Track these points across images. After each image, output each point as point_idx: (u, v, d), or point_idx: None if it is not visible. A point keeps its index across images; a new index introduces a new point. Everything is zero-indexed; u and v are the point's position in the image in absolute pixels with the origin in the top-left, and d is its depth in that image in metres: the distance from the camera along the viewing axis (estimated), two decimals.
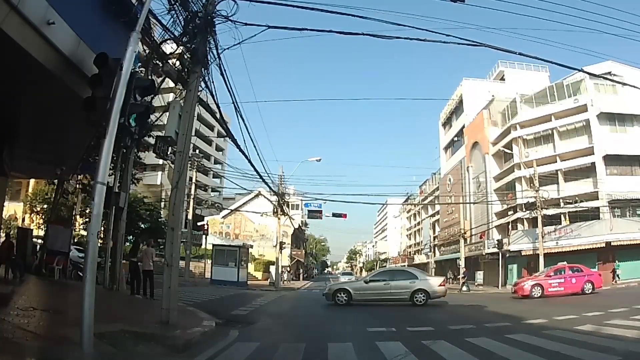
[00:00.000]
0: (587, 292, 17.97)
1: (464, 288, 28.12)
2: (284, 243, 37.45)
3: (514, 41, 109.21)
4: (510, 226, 37.01)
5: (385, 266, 71.92)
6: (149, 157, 23.95)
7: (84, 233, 24.41)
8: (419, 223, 70.23)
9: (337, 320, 11.12)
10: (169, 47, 9.78)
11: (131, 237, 23.90)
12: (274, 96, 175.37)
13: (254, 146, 39.90)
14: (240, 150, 12.76)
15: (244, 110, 39.93)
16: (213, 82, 9.54)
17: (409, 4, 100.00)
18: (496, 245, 34.00)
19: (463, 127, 47.58)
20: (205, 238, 37.12)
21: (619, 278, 26.65)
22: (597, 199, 30.28)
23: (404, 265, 67.75)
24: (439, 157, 58.21)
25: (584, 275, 18.92)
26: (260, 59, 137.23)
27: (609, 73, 28.61)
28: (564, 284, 18.66)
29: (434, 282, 15.36)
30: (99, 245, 6.26)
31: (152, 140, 14.07)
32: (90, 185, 18.04)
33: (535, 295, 18.13)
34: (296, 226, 46.57)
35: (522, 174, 34.48)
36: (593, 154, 31.36)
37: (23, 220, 32.93)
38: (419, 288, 14.65)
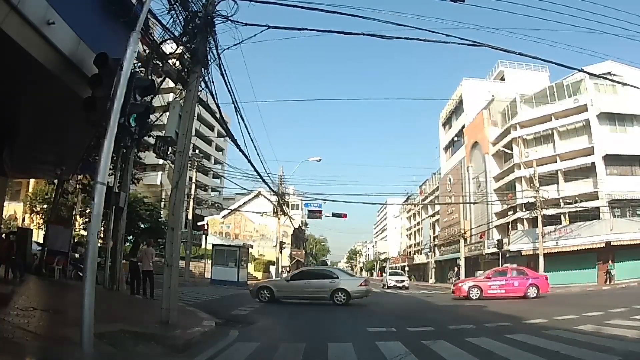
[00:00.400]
0: (531, 296, 17.39)
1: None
2: (284, 243, 37.49)
3: (514, 41, 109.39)
4: (510, 226, 37.03)
5: (385, 266, 71.99)
6: (149, 157, 23.94)
7: (84, 233, 24.41)
8: (419, 223, 70.23)
9: (337, 320, 11.12)
10: (169, 47, 9.77)
11: (131, 237, 23.90)
12: (274, 96, 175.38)
13: (254, 146, 39.83)
14: (240, 150, 12.77)
15: (244, 110, 39.95)
16: (213, 82, 9.56)
17: (409, 4, 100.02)
18: (496, 245, 34.00)
19: (463, 127, 47.59)
20: (205, 238, 37.11)
21: (613, 278, 26.69)
22: (597, 199, 30.28)
23: (404, 266, 67.80)
24: (439, 157, 58.27)
25: (528, 278, 18.36)
26: (260, 59, 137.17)
27: (609, 73, 28.60)
28: (505, 286, 18.07)
29: (355, 283, 15.79)
30: (99, 245, 6.26)
31: (152, 140, 14.07)
32: (90, 185, 18.06)
33: (473, 297, 17.72)
34: (296, 226, 46.55)
35: (522, 174, 34.49)
36: (593, 154, 31.37)
37: (23, 220, 32.91)
38: (339, 287, 15.01)
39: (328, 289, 15.06)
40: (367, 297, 15.96)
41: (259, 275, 39.40)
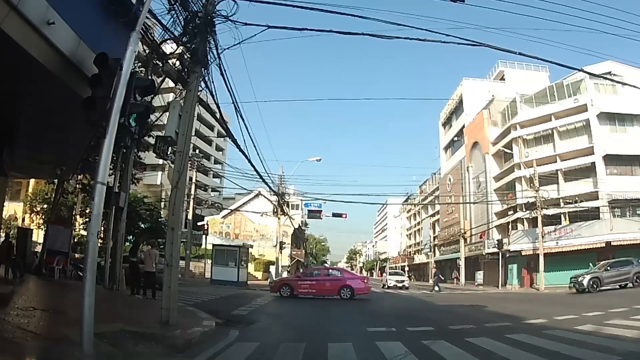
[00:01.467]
0: (344, 297, 17.37)
1: (436, 288, 27.99)
2: (284, 243, 37.46)
3: (514, 41, 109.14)
4: (510, 226, 37.02)
5: (385, 266, 72.00)
6: (149, 157, 23.94)
7: (84, 233, 24.41)
8: (419, 223, 70.22)
9: (337, 320, 11.13)
10: (169, 47, 9.77)
11: (131, 237, 23.90)
12: (273, 96, 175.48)
13: (254, 146, 39.82)
14: (240, 150, 12.76)
15: (244, 110, 39.96)
16: (213, 82, 9.54)
17: (409, 4, 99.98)
18: (496, 245, 34.02)
19: (463, 127, 47.58)
20: (205, 238, 37.11)
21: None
22: (597, 199, 30.27)
23: (404, 266, 67.82)
24: (439, 157, 58.26)
25: (342, 279, 18.50)
26: (260, 59, 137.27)
27: (609, 73, 28.59)
28: (316, 286, 18.25)
29: None
30: (99, 245, 6.26)
31: (152, 140, 14.07)
32: (90, 185, 18.06)
33: (284, 295, 18.06)
34: (296, 226, 46.53)
35: (522, 174, 34.48)
36: (593, 153, 31.36)
37: (23, 220, 32.94)
38: None
39: None
40: None
41: (259, 275, 39.40)
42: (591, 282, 20.33)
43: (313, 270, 20.77)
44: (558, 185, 33.00)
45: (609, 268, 21.30)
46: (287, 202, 36.69)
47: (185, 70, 8.91)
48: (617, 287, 20.38)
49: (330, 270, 20.03)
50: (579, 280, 21.04)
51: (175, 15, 8.48)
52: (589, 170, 31.84)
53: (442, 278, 29.99)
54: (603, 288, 20.21)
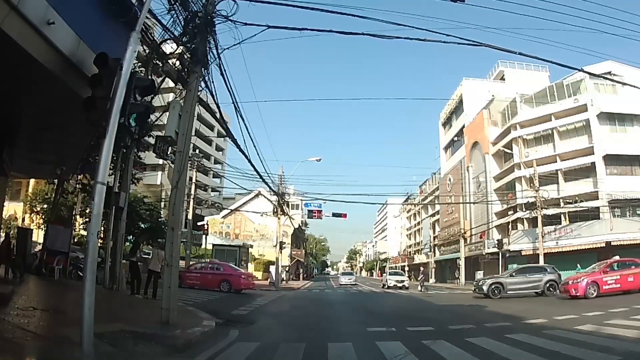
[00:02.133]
0: (223, 290, 18.79)
1: (419, 288, 27.95)
2: (284, 243, 37.42)
3: (514, 41, 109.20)
4: (510, 226, 37.02)
5: (385, 266, 72.01)
6: (149, 157, 23.95)
7: (84, 233, 24.41)
8: (419, 223, 70.22)
9: (337, 320, 11.13)
10: (169, 47, 9.77)
11: (131, 237, 23.90)
12: (273, 96, 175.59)
13: (254, 146, 39.91)
14: (240, 150, 12.77)
15: (244, 110, 40.00)
16: (213, 82, 9.55)
17: (409, 4, 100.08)
18: (496, 245, 34.01)
19: (463, 127, 47.58)
20: (205, 238, 37.12)
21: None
22: (597, 198, 30.26)
23: (404, 266, 67.80)
24: (439, 157, 58.23)
25: (222, 274, 19.79)
26: (260, 58, 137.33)
27: (609, 73, 28.59)
28: (200, 278, 19.85)
29: None
30: (99, 245, 6.25)
31: (152, 140, 14.07)
32: (90, 185, 18.07)
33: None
34: (296, 226, 46.54)
35: (522, 174, 34.48)
36: (593, 153, 31.35)
37: (23, 220, 32.92)
38: None
39: None
40: None
41: (259, 275, 39.38)
42: (492, 288, 19.17)
43: (201, 264, 22.40)
44: (558, 185, 32.99)
45: (514, 274, 20.32)
46: (287, 202, 36.68)
47: (185, 70, 8.91)
48: (534, 294, 19.09)
49: (214, 265, 21.21)
50: (480, 284, 20.22)
51: (175, 15, 8.49)
52: (589, 170, 31.83)
53: (420, 279, 30.58)
54: (507, 295, 18.85)
